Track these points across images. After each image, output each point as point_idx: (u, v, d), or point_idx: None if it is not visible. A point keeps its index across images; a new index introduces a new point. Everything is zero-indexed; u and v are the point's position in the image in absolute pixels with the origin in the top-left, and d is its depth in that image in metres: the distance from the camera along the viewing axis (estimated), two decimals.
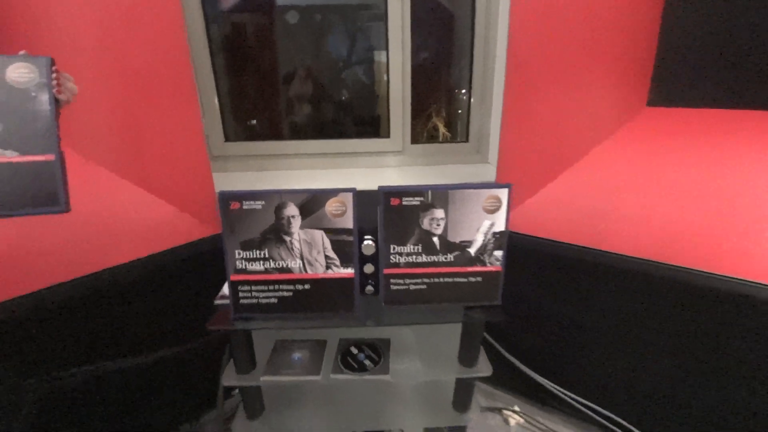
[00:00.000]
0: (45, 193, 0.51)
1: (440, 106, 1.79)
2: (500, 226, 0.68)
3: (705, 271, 0.93)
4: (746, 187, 0.95)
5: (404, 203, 0.65)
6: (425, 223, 0.67)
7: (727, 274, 0.91)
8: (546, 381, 1.21)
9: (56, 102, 0.51)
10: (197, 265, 1.13)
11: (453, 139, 1.85)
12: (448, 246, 0.68)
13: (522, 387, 1.29)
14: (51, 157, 0.50)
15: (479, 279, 0.70)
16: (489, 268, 0.70)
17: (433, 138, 1.84)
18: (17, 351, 0.72)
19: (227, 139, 1.68)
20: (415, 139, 1.81)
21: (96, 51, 0.91)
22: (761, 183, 0.94)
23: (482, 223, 0.67)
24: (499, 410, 1.29)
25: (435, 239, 0.68)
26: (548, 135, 1.17)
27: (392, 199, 0.65)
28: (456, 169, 1.73)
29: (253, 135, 1.76)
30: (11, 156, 0.49)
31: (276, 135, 1.79)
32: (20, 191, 0.50)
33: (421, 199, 0.66)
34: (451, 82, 1.81)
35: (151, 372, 1.06)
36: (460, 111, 1.83)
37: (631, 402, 1.10)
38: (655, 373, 1.04)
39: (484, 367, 0.77)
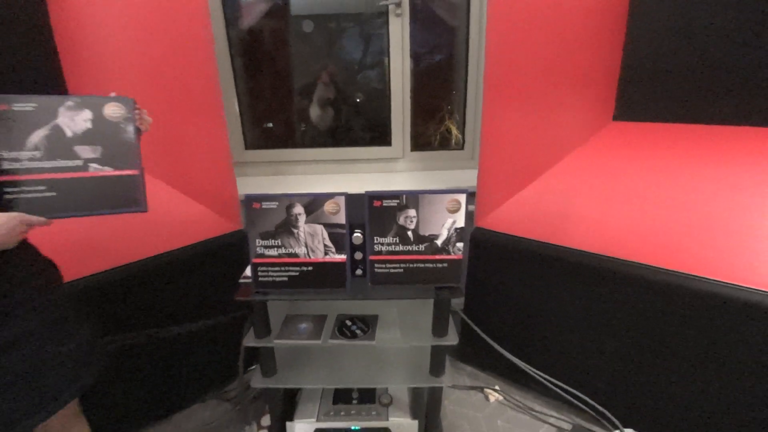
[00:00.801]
0: (131, 197, 0.72)
1: (453, 108, 1.96)
2: (460, 223, 0.86)
3: (651, 265, 1.10)
4: (695, 193, 1.10)
5: (384, 204, 0.84)
6: (401, 220, 0.86)
7: (669, 268, 1.07)
8: (521, 362, 1.37)
9: (138, 131, 0.72)
10: (223, 254, 1.35)
11: (450, 146, 2.03)
12: (419, 238, 0.87)
13: (501, 368, 1.46)
14: (135, 171, 0.72)
15: (445, 265, 0.89)
16: (452, 256, 0.88)
17: (446, 140, 2.01)
18: (95, 314, 0.95)
19: (247, 147, 1.91)
20: (421, 146, 1.99)
21: (142, 77, 1.14)
22: (708, 189, 1.09)
23: (446, 221, 0.86)
24: (480, 389, 1.46)
25: (409, 233, 0.87)
26: (524, 145, 1.33)
27: (375, 201, 0.84)
28: (451, 174, 1.91)
29: (269, 143, 1.98)
30: (108, 171, 0.70)
31: (290, 143, 2.01)
32: (115, 196, 0.71)
33: (398, 201, 0.85)
34: (453, 93, 1.97)
35: (185, 340, 1.29)
36: (458, 120, 2.00)
37: (592, 379, 1.26)
38: (609, 353, 1.20)
39: (452, 337, 0.95)
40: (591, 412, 1.25)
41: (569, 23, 1.17)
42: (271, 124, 1.94)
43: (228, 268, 1.35)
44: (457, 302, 1.55)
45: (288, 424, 1.09)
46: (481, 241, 1.40)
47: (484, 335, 1.43)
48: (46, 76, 1.06)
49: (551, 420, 1.32)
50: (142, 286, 1.16)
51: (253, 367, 1.40)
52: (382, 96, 1.88)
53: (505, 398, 1.42)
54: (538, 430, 1.29)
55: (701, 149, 1.12)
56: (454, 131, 2.00)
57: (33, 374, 0.71)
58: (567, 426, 1.28)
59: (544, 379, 1.32)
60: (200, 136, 1.29)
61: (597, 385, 1.26)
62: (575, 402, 1.27)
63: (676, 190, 1.11)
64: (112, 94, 0.71)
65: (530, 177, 1.34)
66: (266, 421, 1.25)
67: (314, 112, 1.91)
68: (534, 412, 1.35)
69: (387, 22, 1.75)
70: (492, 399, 1.41)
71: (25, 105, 0.65)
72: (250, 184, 1.77)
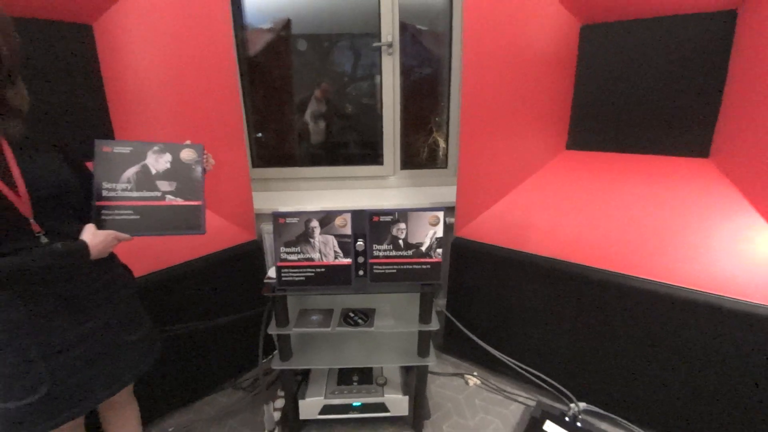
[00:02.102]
0: (195, 223, 0.93)
1: (441, 120, 2.21)
2: (440, 233, 1.11)
3: (594, 266, 1.36)
4: (627, 208, 1.38)
5: (381, 219, 1.09)
6: (394, 232, 1.11)
7: (608, 269, 1.33)
8: (495, 351, 1.62)
9: (204, 170, 0.95)
10: (241, 261, 1.57)
11: (436, 165, 2.30)
12: (408, 245, 1.12)
13: (478, 357, 1.70)
14: (200, 202, 0.94)
15: (428, 266, 1.14)
16: (434, 259, 1.14)
17: (434, 152, 2.26)
18: (148, 307, 1.15)
19: (254, 165, 2.14)
20: (409, 156, 2.23)
21: (176, 108, 1.37)
22: (637, 205, 1.36)
23: (429, 232, 1.11)
24: (461, 375, 1.70)
25: (400, 241, 1.12)
26: (494, 169, 1.60)
27: (374, 217, 1.09)
28: (436, 190, 2.17)
29: (272, 162, 2.20)
30: (180, 201, 0.92)
31: (292, 162, 2.24)
32: (182, 221, 0.93)
33: (391, 216, 1.10)
34: (441, 106, 2.23)
35: (203, 335, 1.49)
36: (441, 142, 2.26)
37: (551, 363, 1.51)
38: (565, 340, 1.45)
39: (434, 324, 1.20)
40: (551, 390, 1.50)
41: (531, 70, 1.45)
42: (273, 143, 2.16)
43: (245, 274, 1.57)
44: (441, 302, 1.80)
45: (300, 401, 1.32)
46: (460, 249, 1.65)
47: (464, 329, 1.67)
48: (95, 114, 1.30)
49: (520, 399, 1.57)
50: (166, 290, 1.35)
51: (268, 357, 1.61)
52: (373, 111, 2.11)
53: (482, 382, 1.66)
54: (509, 407, 1.53)
55: (632, 173, 1.41)
56: (441, 143, 2.26)
57: (109, 356, 0.90)
58: (532, 402, 1.53)
59: (514, 364, 1.57)
60: (225, 159, 1.51)
61: (556, 367, 1.51)
62: (539, 382, 1.52)
63: (613, 205, 1.39)
64: (187, 142, 0.94)
65: (500, 194, 1.61)
66: (279, 403, 1.47)
67: (311, 126, 2.14)
68: (506, 393, 1.60)
69: (380, 61, 2.02)
70: (471, 383, 1.65)
71: (123, 148, 0.87)
72: (257, 200, 1.99)
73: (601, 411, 1.40)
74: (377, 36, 1.99)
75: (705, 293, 1.17)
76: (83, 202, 0.88)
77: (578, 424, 1.34)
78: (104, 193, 0.87)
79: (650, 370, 1.30)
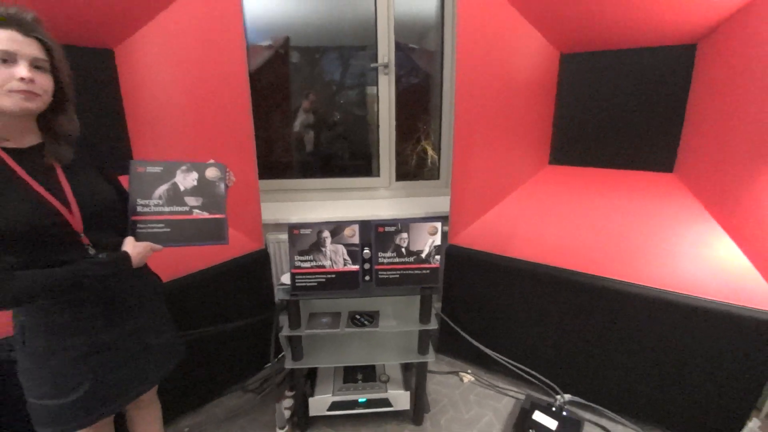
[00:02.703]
0: (219, 234, 1.03)
1: (429, 129, 2.34)
2: (438, 242, 1.24)
3: (574, 270, 1.50)
4: (604, 218, 1.52)
5: (386, 230, 1.22)
6: (397, 240, 1.23)
7: (587, 272, 1.48)
8: (487, 350, 1.74)
9: (226, 187, 1.05)
10: (250, 269, 1.66)
11: (424, 173, 2.43)
12: (409, 253, 1.25)
13: (472, 356, 1.83)
14: (223, 215, 1.03)
15: (427, 271, 1.26)
16: (432, 265, 1.26)
17: (422, 160, 2.39)
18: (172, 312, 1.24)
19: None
20: (399, 169, 2.35)
21: (192, 127, 1.47)
22: (614, 215, 1.51)
23: (428, 240, 1.24)
24: (456, 373, 1.82)
25: (403, 249, 1.24)
26: (485, 182, 1.74)
27: (379, 228, 1.21)
28: (429, 200, 2.30)
29: (274, 174, 2.29)
30: (205, 215, 1.01)
31: (292, 174, 2.34)
32: (208, 233, 1.02)
33: (395, 227, 1.22)
34: (430, 129, 2.37)
35: (212, 340, 1.57)
36: (433, 155, 2.40)
37: (539, 359, 1.65)
38: (550, 338, 1.59)
39: (433, 324, 1.32)
40: (539, 384, 1.63)
41: (517, 94, 1.60)
42: (270, 154, 2.25)
43: (253, 281, 1.67)
44: (437, 305, 1.93)
45: (310, 399, 1.41)
46: (454, 256, 1.79)
47: (458, 329, 1.80)
48: (115, 133, 1.39)
49: (511, 393, 1.69)
50: (182, 297, 1.43)
51: (274, 360, 1.70)
52: (363, 121, 2.24)
53: (475, 379, 1.78)
54: (501, 401, 1.66)
55: (607, 185, 1.57)
56: (430, 152, 2.39)
57: (140, 357, 0.99)
58: (522, 396, 1.65)
59: (504, 361, 1.70)
60: (236, 172, 1.60)
61: (543, 363, 1.64)
62: (527, 377, 1.66)
63: (590, 215, 1.54)
64: (211, 161, 1.04)
65: (491, 205, 1.76)
66: (287, 402, 1.56)
67: (304, 136, 2.25)
68: (498, 388, 1.72)
69: (377, 80, 2.16)
70: (465, 380, 1.78)
71: (155, 168, 0.97)
72: (264, 210, 2.08)
73: (584, 401, 1.54)
74: (368, 47, 2.12)
75: (671, 292, 1.33)
76: (121, 217, 0.97)
77: (564, 413, 1.47)
78: (139, 209, 0.97)
79: (624, 362, 1.45)
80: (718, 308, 1.25)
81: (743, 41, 1.19)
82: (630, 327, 1.41)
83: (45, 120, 0.83)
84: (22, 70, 0.72)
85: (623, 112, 1.51)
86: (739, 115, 1.23)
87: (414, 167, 2.40)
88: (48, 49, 0.78)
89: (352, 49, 2.15)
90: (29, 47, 0.74)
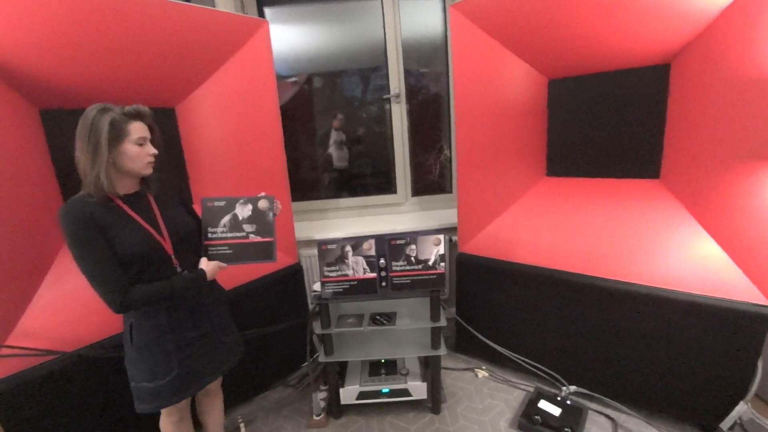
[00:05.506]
0: (269, 253, 1.28)
1: (444, 142, 2.53)
2: (442, 251, 1.47)
3: (571, 271, 1.67)
4: (599, 222, 1.69)
5: (397, 242, 1.46)
6: (407, 251, 1.47)
7: (583, 273, 1.64)
8: (499, 347, 1.92)
9: (274, 215, 1.33)
10: (287, 280, 1.94)
11: (441, 191, 2.64)
12: (418, 261, 1.48)
13: (485, 354, 2.01)
14: (272, 239, 1.29)
15: (434, 276, 1.49)
16: (438, 271, 1.49)
17: (445, 169, 2.60)
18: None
19: None
20: (419, 174, 2.55)
21: (238, 166, 1.78)
22: (606, 219, 1.67)
23: (433, 250, 1.47)
24: (471, 369, 2.01)
25: (412, 258, 1.48)
26: (487, 194, 1.94)
27: (391, 241, 1.46)
28: (442, 212, 2.52)
29: (302, 191, 2.56)
30: (258, 239, 1.28)
31: (319, 191, 2.61)
32: (260, 253, 1.27)
33: (405, 240, 1.46)
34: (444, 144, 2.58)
35: (259, 342, 1.84)
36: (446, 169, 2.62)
37: (546, 354, 1.81)
38: (555, 334, 1.76)
39: (443, 321, 1.54)
40: (547, 377, 1.79)
41: (512, 117, 1.81)
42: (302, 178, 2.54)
43: (289, 291, 1.94)
44: (452, 310, 2.13)
45: (341, 390, 1.66)
46: (464, 263, 1.99)
47: (472, 330, 1.99)
48: (177, 174, 1.72)
49: (522, 386, 1.86)
50: (233, 305, 1.71)
51: (311, 360, 1.96)
52: (383, 138, 2.50)
53: (489, 375, 1.96)
54: (512, 393, 1.83)
55: (599, 193, 1.73)
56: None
57: (213, 351, 1.24)
58: (531, 389, 1.82)
59: (515, 357, 1.87)
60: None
61: (548, 357, 1.80)
62: (535, 371, 1.82)
63: (585, 220, 1.71)
64: (262, 194, 1.32)
65: (494, 215, 1.95)
66: (321, 395, 1.81)
67: (334, 155, 2.51)
68: (510, 382, 1.89)
69: (390, 110, 2.42)
70: (480, 375, 1.96)
71: (220, 202, 1.27)
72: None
73: (588, 392, 1.69)
74: (382, 67, 2.40)
75: (660, 289, 1.47)
76: (198, 242, 1.27)
77: (568, 402, 1.63)
78: (209, 235, 1.26)
79: (621, 354, 1.59)
80: (703, 302, 1.38)
81: (710, 58, 1.34)
82: (623, 322, 1.56)
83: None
84: (152, 149, 1.08)
85: (610, 127, 1.67)
86: (712, 124, 1.37)
87: (438, 177, 2.61)
88: (151, 129, 1.11)
89: (368, 69, 2.43)
90: (147, 131, 1.09)
